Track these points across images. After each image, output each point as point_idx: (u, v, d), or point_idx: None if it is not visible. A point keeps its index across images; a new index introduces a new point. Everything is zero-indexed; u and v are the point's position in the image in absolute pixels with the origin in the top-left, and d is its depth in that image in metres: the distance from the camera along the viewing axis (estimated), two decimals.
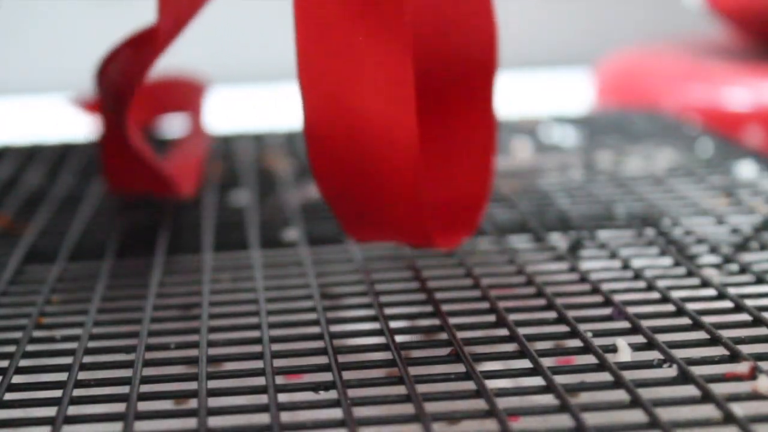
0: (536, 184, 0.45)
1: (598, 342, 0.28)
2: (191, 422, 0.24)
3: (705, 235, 0.37)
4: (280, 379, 0.27)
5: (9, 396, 0.26)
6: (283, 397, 0.25)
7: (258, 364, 0.27)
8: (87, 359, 0.28)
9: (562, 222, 0.39)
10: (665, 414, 0.23)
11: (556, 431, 0.23)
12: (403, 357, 0.27)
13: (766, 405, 0.24)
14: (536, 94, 0.96)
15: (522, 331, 0.29)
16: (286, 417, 0.24)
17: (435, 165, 0.34)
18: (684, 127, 0.55)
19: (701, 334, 0.28)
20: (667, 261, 0.35)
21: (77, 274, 0.35)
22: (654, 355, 0.27)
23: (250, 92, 0.98)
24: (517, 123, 0.57)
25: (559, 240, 0.37)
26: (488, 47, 0.33)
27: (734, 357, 0.26)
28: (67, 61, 1.01)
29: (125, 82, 0.36)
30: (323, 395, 0.26)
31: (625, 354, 0.27)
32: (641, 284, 0.32)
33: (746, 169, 0.46)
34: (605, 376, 0.26)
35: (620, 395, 0.25)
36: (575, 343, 0.28)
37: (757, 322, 0.29)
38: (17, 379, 0.27)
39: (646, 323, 0.29)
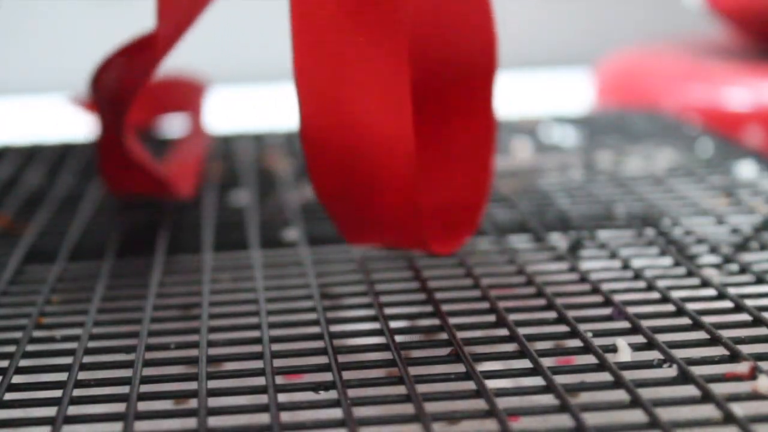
0: (536, 184, 0.45)
1: (598, 342, 0.28)
2: (191, 422, 0.24)
3: (705, 235, 0.37)
4: (280, 379, 0.27)
5: (9, 396, 0.26)
6: (283, 397, 0.25)
7: (258, 364, 0.27)
8: (87, 359, 0.28)
9: (562, 222, 0.39)
10: (665, 414, 0.23)
11: (556, 431, 0.23)
12: (403, 357, 0.27)
13: (766, 405, 0.24)
14: (536, 94, 0.96)
15: (522, 331, 0.29)
16: (286, 417, 0.24)
17: (434, 167, 0.34)
18: (684, 127, 0.55)
19: (701, 334, 0.28)
20: (667, 261, 0.35)
21: (77, 274, 0.35)
22: (654, 355, 0.27)
23: (250, 92, 0.98)
24: (517, 123, 0.57)
25: (559, 240, 0.37)
26: (487, 47, 0.33)
27: (734, 357, 0.26)
28: (67, 61, 1.01)
29: (124, 90, 0.36)
30: (323, 395, 0.26)
31: (625, 354, 0.27)
32: (641, 284, 0.32)
33: (746, 169, 0.46)
34: (605, 376, 0.26)
35: (620, 395, 0.25)
36: (575, 343, 0.28)
37: (757, 322, 0.29)
38: (17, 379, 0.27)
39: (646, 323, 0.29)
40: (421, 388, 0.25)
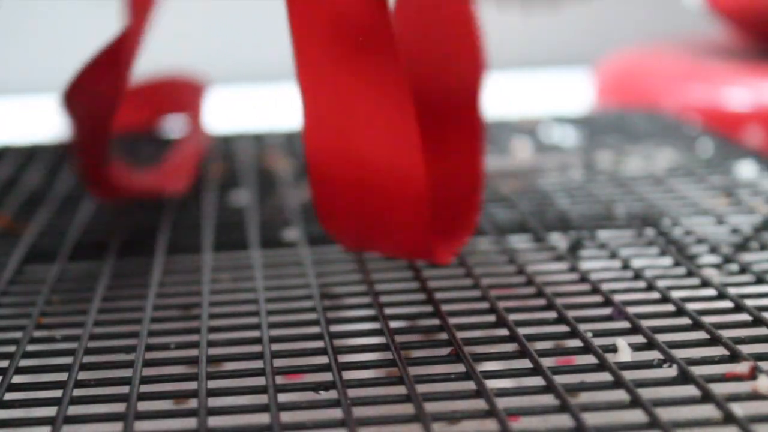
0: (536, 184, 0.45)
1: (598, 342, 0.28)
2: (191, 422, 0.24)
3: (705, 235, 0.37)
4: (280, 379, 0.27)
5: (9, 396, 0.26)
6: (283, 397, 0.25)
7: (258, 364, 0.27)
8: (87, 359, 0.28)
9: (562, 222, 0.39)
10: (665, 414, 0.23)
11: (556, 431, 0.23)
12: (403, 357, 0.27)
13: (766, 405, 0.24)
14: (536, 94, 0.96)
15: (522, 331, 0.29)
16: (286, 417, 0.24)
17: (432, 176, 0.34)
18: (684, 127, 0.55)
19: (701, 334, 0.28)
20: (667, 261, 0.35)
21: (77, 274, 0.35)
22: (654, 355, 0.27)
23: (250, 92, 0.98)
24: (517, 123, 0.57)
25: (559, 240, 0.37)
26: (474, 56, 0.33)
27: (734, 357, 0.26)
28: (66, 61, 1.01)
29: (102, 105, 0.37)
30: (323, 395, 0.26)
31: (625, 354, 0.27)
32: (641, 284, 0.32)
33: (746, 169, 0.46)
34: (605, 376, 0.26)
35: (620, 395, 0.25)
36: (575, 343, 0.28)
37: (757, 322, 0.29)
38: (17, 379, 0.27)
39: (646, 323, 0.29)
40: (421, 388, 0.25)
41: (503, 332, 0.29)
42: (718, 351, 0.27)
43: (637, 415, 0.24)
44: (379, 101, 0.29)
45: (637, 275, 0.33)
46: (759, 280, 0.32)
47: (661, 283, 0.32)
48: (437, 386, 0.26)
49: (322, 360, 0.27)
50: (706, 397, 0.24)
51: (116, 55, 0.35)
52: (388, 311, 0.31)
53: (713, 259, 0.35)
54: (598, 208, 0.41)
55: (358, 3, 0.29)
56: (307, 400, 0.25)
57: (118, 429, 0.24)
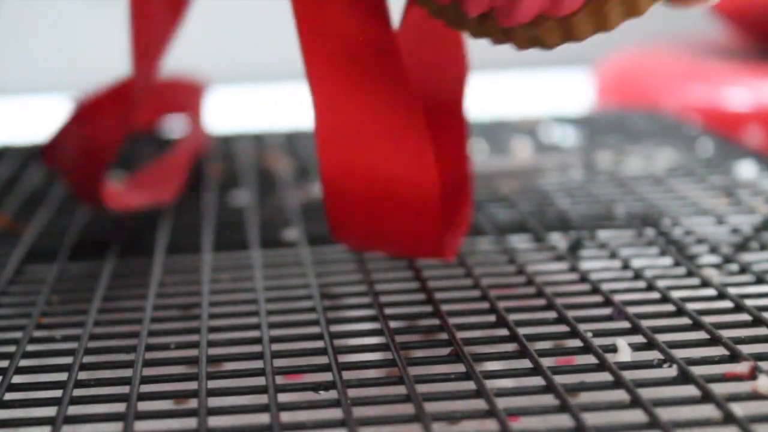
0: (536, 184, 0.45)
1: (598, 342, 0.28)
2: (191, 422, 0.24)
3: (705, 235, 0.37)
4: (280, 379, 0.27)
5: (9, 396, 0.26)
6: (283, 397, 0.25)
7: (258, 364, 0.27)
8: (87, 359, 0.28)
9: (562, 222, 0.39)
10: (665, 414, 0.23)
11: (556, 431, 0.23)
12: (403, 357, 0.27)
13: (766, 405, 0.24)
14: (536, 94, 0.96)
15: (522, 331, 0.29)
16: (286, 417, 0.24)
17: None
18: (684, 127, 0.55)
19: (701, 334, 0.28)
20: (667, 261, 0.35)
21: (77, 274, 0.35)
22: (654, 355, 0.27)
23: (250, 92, 0.98)
24: (517, 123, 0.57)
25: (559, 240, 0.37)
26: (458, 65, 0.34)
27: (734, 357, 0.26)
28: (67, 61, 1.02)
29: (98, 149, 0.37)
30: (323, 395, 0.26)
31: (625, 354, 0.27)
32: (641, 284, 0.32)
33: (746, 169, 0.46)
34: (605, 376, 0.26)
35: (620, 395, 0.25)
36: (575, 343, 0.28)
37: (757, 322, 0.29)
38: (17, 379, 0.27)
39: (646, 323, 0.29)
40: (421, 388, 0.25)
41: (503, 332, 0.29)
42: (718, 351, 0.27)
43: (637, 415, 0.24)
44: (391, 115, 0.30)
45: (637, 275, 0.33)
46: (759, 280, 0.32)
47: (661, 283, 0.32)
48: (437, 386, 0.26)
49: (322, 360, 0.27)
50: (706, 397, 0.24)
51: (124, 96, 0.36)
52: (388, 311, 0.31)
53: (713, 259, 0.35)
54: (598, 208, 0.41)
55: (365, 25, 0.30)
56: (307, 400, 0.25)
57: (118, 429, 0.24)
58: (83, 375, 0.27)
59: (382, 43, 0.30)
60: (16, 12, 1.02)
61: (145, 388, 0.26)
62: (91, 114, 0.39)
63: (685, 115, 0.60)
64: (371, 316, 0.31)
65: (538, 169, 0.47)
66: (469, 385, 0.26)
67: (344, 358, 0.27)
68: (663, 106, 0.66)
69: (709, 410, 0.24)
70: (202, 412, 0.24)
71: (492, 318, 0.30)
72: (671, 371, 0.26)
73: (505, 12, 0.27)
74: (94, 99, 0.39)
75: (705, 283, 0.32)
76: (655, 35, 0.92)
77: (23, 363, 0.28)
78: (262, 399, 0.25)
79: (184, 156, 0.48)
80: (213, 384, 0.26)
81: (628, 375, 0.25)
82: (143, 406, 0.25)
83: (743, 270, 0.33)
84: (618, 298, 0.31)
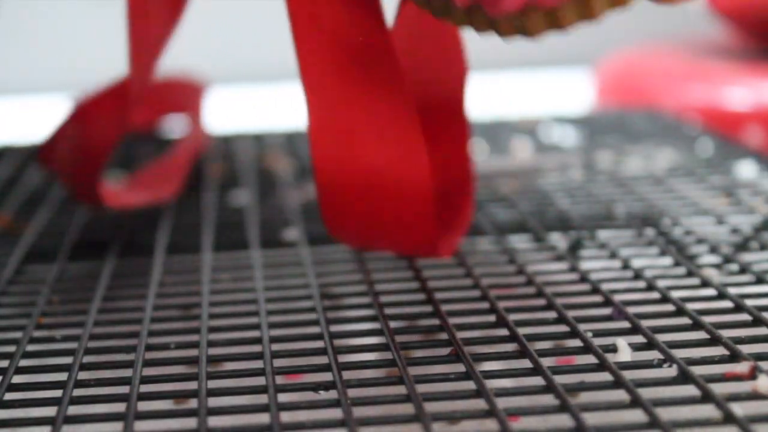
0: (536, 184, 0.45)
1: (598, 342, 0.28)
2: (191, 422, 0.24)
3: (705, 235, 0.37)
4: (280, 379, 0.27)
5: (9, 396, 0.26)
6: (283, 397, 0.25)
7: (258, 364, 0.27)
8: (87, 359, 0.28)
9: (562, 222, 0.39)
10: (665, 414, 0.23)
11: (556, 431, 0.23)
12: (403, 357, 0.27)
13: (766, 405, 0.24)
14: (536, 94, 0.96)
15: (522, 331, 0.29)
16: (286, 417, 0.24)
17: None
18: (684, 127, 0.55)
19: (701, 334, 0.28)
20: (667, 261, 0.35)
21: (77, 274, 0.35)
22: (654, 355, 0.27)
23: (250, 92, 0.98)
24: (517, 123, 0.57)
25: (559, 240, 0.37)
26: (458, 64, 0.35)
27: (734, 357, 0.26)
28: (67, 61, 1.01)
29: (95, 148, 0.38)
30: (323, 395, 0.26)
31: (625, 354, 0.27)
32: (641, 284, 0.32)
33: (746, 169, 0.46)
34: (605, 376, 0.26)
35: (620, 395, 0.25)
36: (575, 343, 0.28)
37: (757, 322, 0.29)
38: (17, 379, 0.27)
39: (646, 323, 0.29)
40: (421, 388, 0.25)
41: (503, 332, 0.29)
42: (718, 351, 0.27)
43: (637, 415, 0.24)
44: (384, 113, 0.30)
45: (637, 275, 0.33)
46: (759, 280, 0.32)
47: (661, 283, 0.32)
48: (437, 386, 0.26)
49: (322, 360, 0.27)
50: (706, 397, 0.24)
51: (121, 96, 0.36)
52: (388, 311, 0.31)
53: (713, 259, 0.35)
54: (598, 208, 0.41)
55: (358, 23, 0.30)
56: (307, 400, 0.25)
57: (118, 429, 0.24)
58: (83, 375, 0.27)
59: (375, 41, 0.30)
60: (16, 12, 1.02)
61: (145, 388, 0.26)
62: (87, 114, 0.39)
63: (685, 115, 0.60)
64: (371, 316, 0.31)
65: (538, 169, 0.47)
66: (469, 385, 0.26)
67: (344, 358, 0.27)
68: (663, 106, 0.66)
69: (709, 410, 0.24)
70: (202, 412, 0.24)
71: (492, 318, 0.30)
72: (671, 371, 0.26)
73: (493, 2, 0.27)
74: (91, 99, 0.39)
75: (705, 283, 0.32)
76: (655, 35, 0.92)
77: (23, 363, 0.28)
78: (262, 399, 0.25)
79: (183, 156, 0.48)
80: (213, 384, 0.26)
81: (628, 375, 0.25)
82: (143, 406, 0.25)
83: (743, 270, 0.33)
84: (618, 298, 0.31)
